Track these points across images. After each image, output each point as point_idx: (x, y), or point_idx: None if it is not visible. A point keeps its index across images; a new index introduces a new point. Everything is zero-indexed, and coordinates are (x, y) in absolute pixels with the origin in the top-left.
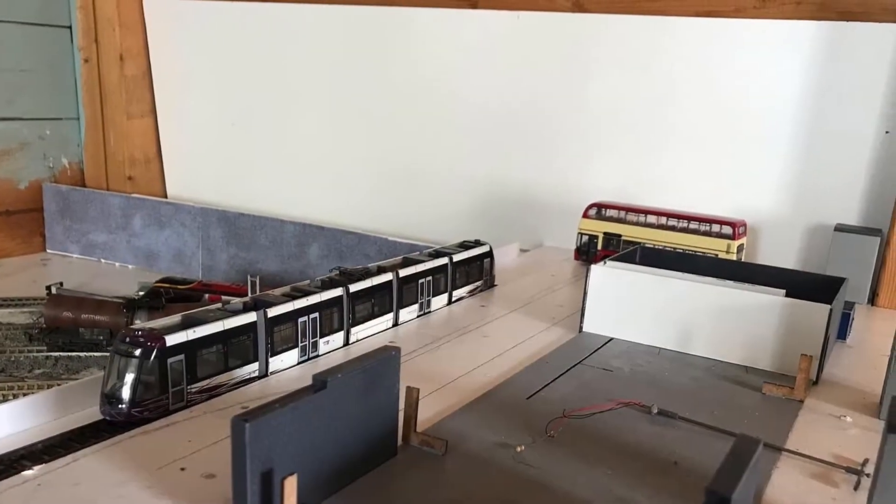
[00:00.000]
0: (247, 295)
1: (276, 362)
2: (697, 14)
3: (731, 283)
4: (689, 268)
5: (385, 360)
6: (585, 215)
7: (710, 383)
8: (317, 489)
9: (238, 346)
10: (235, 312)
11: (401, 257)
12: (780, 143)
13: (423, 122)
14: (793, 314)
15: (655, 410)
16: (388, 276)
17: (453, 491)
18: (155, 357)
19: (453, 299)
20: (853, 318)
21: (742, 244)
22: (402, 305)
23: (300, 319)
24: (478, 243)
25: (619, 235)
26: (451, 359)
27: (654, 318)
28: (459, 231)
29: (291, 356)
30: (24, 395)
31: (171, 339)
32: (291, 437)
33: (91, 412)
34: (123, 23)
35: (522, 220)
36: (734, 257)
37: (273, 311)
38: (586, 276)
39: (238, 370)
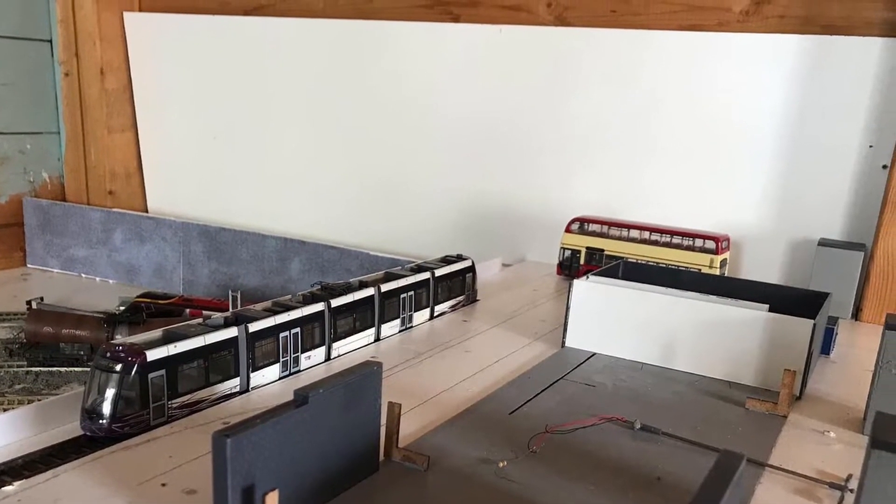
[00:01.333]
0: (228, 310)
1: (258, 377)
2: (680, 28)
3: (714, 297)
4: (672, 283)
5: (367, 375)
6: (568, 230)
7: (693, 398)
8: None
9: (219, 362)
10: (216, 327)
11: (383, 272)
12: (763, 158)
13: (405, 136)
14: (776, 329)
15: (638, 426)
16: (369, 291)
17: None
18: (136, 372)
19: (435, 314)
20: (837, 333)
21: (725, 259)
22: (383, 320)
23: (281, 334)
24: (460, 258)
25: (602, 250)
26: (433, 374)
27: (637, 333)
28: (441, 246)
29: (273, 371)
30: (5, 410)
31: (152, 355)
32: (273, 453)
33: (71, 427)
34: (104, 36)
35: (505, 235)
36: (717, 272)
37: (254, 327)
38: (569, 291)
39: (219, 385)
